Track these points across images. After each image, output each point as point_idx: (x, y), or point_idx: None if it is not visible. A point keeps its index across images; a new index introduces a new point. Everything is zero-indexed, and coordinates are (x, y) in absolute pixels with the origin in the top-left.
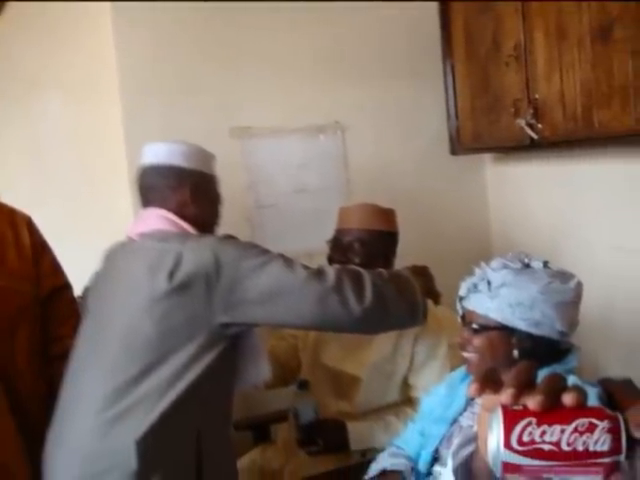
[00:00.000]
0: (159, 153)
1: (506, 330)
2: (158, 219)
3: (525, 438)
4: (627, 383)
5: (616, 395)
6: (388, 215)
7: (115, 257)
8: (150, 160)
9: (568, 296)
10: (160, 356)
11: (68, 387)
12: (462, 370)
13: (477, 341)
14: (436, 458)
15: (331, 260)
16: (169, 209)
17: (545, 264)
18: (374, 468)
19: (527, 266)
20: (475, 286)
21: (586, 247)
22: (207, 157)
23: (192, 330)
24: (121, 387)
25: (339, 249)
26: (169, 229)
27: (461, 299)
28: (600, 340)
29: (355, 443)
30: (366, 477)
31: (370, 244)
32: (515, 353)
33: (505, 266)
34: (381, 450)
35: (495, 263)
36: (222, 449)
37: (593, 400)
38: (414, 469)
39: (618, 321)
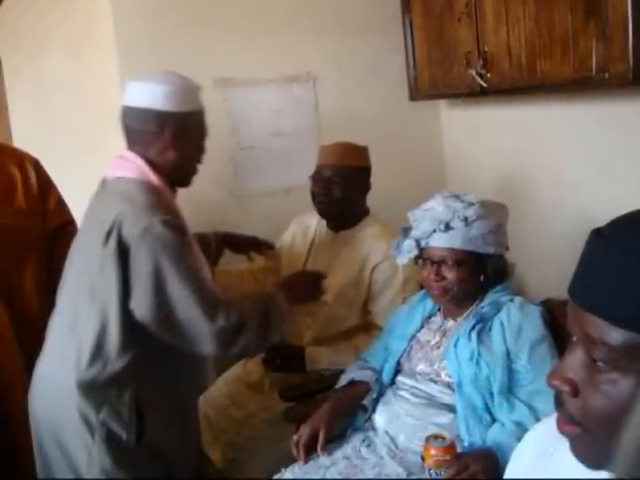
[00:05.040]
0: (141, 94)
1: (477, 258)
2: (129, 167)
3: None
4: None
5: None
6: (363, 152)
7: (92, 199)
8: (132, 102)
9: (507, 219)
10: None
11: (55, 313)
12: (420, 293)
13: (450, 275)
14: (398, 370)
15: (314, 194)
16: (148, 155)
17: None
18: (343, 378)
19: (462, 200)
20: (447, 225)
21: (530, 181)
22: (191, 93)
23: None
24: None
25: (320, 183)
26: (135, 178)
27: (422, 239)
28: (539, 261)
29: (310, 365)
30: (336, 386)
31: (348, 178)
32: (482, 277)
33: (468, 202)
34: (335, 370)
35: (453, 201)
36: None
37: (536, 318)
38: (378, 380)
39: (554, 244)
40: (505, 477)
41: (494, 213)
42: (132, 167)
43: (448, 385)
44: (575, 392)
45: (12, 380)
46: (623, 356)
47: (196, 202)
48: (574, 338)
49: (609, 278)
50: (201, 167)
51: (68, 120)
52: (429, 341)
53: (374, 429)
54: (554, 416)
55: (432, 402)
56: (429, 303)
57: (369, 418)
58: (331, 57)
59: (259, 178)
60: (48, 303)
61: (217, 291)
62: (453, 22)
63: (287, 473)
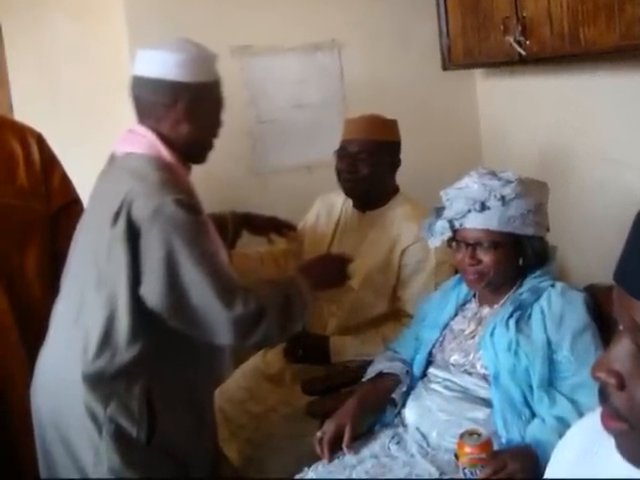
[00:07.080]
0: (153, 63)
1: (516, 240)
2: (139, 142)
3: None
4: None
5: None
6: (392, 126)
7: (100, 177)
8: (143, 71)
9: (547, 198)
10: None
11: (59, 299)
12: (454, 278)
13: (486, 258)
14: (430, 361)
15: (339, 172)
16: (160, 129)
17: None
18: (371, 370)
19: (499, 178)
20: (482, 205)
21: (572, 157)
22: (206, 62)
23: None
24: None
25: (346, 159)
26: (145, 154)
27: (456, 220)
28: (582, 244)
29: (335, 356)
30: (363, 379)
31: (376, 154)
32: (520, 261)
33: (505, 179)
34: (362, 361)
35: (490, 179)
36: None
37: (579, 305)
38: (409, 372)
39: (599, 225)
40: (546, 477)
41: (534, 192)
42: (143, 142)
43: (484, 377)
44: (621, 385)
45: (12, 372)
46: None
47: (212, 180)
48: (620, 327)
49: None
50: (217, 142)
51: (73, 91)
52: (463, 330)
53: (404, 425)
54: (598, 411)
55: (467, 396)
56: (463, 289)
57: (399, 413)
58: (357, 23)
59: (280, 154)
60: (52, 289)
61: (234, 276)
62: None
63: (310, 473)
